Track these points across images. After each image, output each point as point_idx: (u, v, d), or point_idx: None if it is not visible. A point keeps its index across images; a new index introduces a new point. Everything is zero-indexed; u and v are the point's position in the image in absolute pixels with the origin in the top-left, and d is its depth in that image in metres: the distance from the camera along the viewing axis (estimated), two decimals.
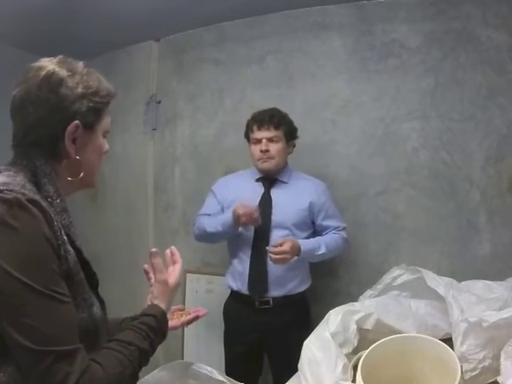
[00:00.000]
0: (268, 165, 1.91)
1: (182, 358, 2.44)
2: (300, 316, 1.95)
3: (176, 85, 2.63)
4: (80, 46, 2.39)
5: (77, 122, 0.81)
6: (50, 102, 0.79)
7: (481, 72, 1.98)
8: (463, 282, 1.36)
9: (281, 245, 1.78)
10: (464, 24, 2.00)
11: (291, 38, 2.32)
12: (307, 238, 1.94)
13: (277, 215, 1.90)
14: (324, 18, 2.26)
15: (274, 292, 1.88)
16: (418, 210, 2.09)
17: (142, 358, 0.80)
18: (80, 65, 0.85)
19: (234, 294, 1.99)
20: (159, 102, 2.68)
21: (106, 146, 0.90)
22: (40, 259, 0.69)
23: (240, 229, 1.92)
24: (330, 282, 2.23)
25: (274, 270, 1.86)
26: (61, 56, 0.85)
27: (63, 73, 0.81)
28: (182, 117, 2.62)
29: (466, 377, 1.04)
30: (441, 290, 1.26)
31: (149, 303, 0.94)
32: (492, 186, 1.97)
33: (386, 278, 1.49)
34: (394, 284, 1.47)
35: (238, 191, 1.97)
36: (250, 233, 1.90)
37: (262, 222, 1.87)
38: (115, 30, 2.46)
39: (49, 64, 0.82)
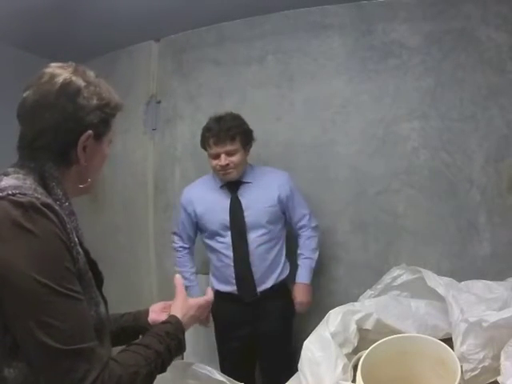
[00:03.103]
0: (230, 177, 1.92)
1: (182, 358, 2.44)
2: (285, 301, 2.01)
3: (176, 85, 2.63)
4: (80, 46, 2.40)
5: (90, 132, 0.83)
6: (66, 110, 0.80)
7: (481, 72, 1.98)
8: (463, 282, 1.36)
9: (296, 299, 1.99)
10: (464, 24, 2.00)
11: (291, 38, 2.32)
12: (281, 228, 1.99)
13: (249, 217, 1.92)
14: (324, 18, 2.26)
15: (262, 286, 1.95)
16: (418, 210, 2.09)
17: (159, 361, 0.83)
18: (92, 74, 0.87)
19: (222, 294, 1.99)
20: (159, 102, 2.68)
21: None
22: (57, 260, 0.71)
23: (218, 237, 1.97)
24: (330, 281, 2.23)
25: (257, 269, 1.93)
26: (72, 63, 0.86)
27: (80, 82, 0.82)
28: (182, 117, 2.62)
29: (466, 377, 1.04)
30: (441, 290, 1.26)
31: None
32: (492, 186, 1.97)
33: (386, 278, 1.49)
34: (394, 284, 1.46)
35: (207, 202, 1.99)
36: (227, 238, 1.93)
37: (237, 226, 1.92)
38: (115, 30, 2.46)
39: (63, 72, 0.82)
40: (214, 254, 2.00)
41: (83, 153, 0.84)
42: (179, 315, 0.95)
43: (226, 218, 1.92)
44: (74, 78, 0.82)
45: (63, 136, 0.81)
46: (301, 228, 2.04)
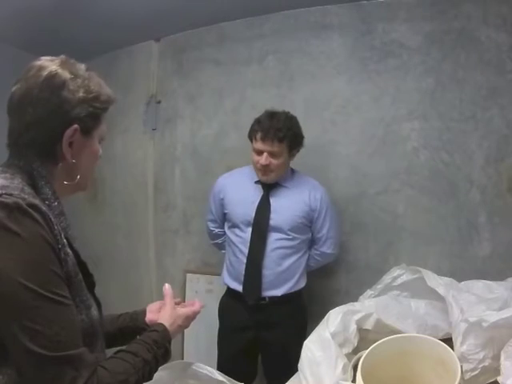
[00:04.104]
0: (267, 178, 1.89)
1: (182, 358, 2.45)
2: (296, 314, 1.96)
3: (176, 85, 2.63)
4: (80, 46, 2.40)
5: (76, 126, 0.80)
6: (50, 103, 0.78)
7: (481, 72, 1.98)
8: (463, 282, 1.36)
9: None
10: (464, 24, 2.00)
11: (291, 38, 2.32)
12: (305, 240, 1.94)
13: (274, 220, 1.89)
14: (324, 18, 2.26)
15: (271, 292, 1.89)
16: (418, 210, 2.09)
17: (146, 369, 0.82)
18: (82, 67, 0.84)
19: (231, 292, 2.00)
20: (159, 102, 2.68)
21: (100, 151, 0.90)
22: (42, 263, 0.69)
23: (238, 231, 1.94)
24: (330, 281, 2.23)
25: (268, 272, 1.88)
26: (63, 56, 0.84)
27: (66, 75, 0.80)
28: (182, 117, 2.62)
29: (466, 377, 1.04)
30: (441, 290, 1.26)
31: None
32: (492, 186, 1.97)
33: (386, 278, 1.49)
34: (394, 284, 1.47)
35: (238, 193, 1.98)
36: (247, 234, 1.91)
37: (259, 225, 1.89)
38: (115, 30, 2.46)
39: (51, 64, 0.80)
40: (230, 247, 1.99)
41: (69, 148, 0.81)
42: (167, 324, 0.94)
43: (251, 214, 1.90)
44: (59, 71, 0.79)
45: (48, 130, 0.79)
46: (314, 244, 1.99)
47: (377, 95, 2.16)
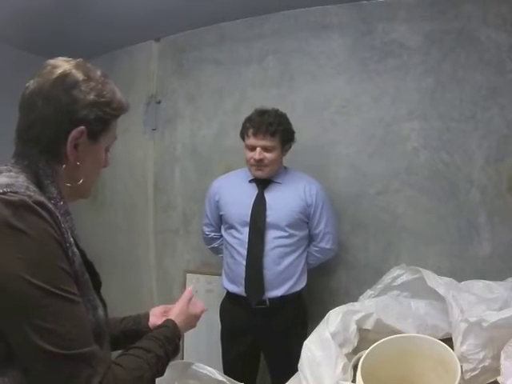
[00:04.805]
0: (261, 173, 1.90)
1: (182, 358, 2.45)
2: (296, 315, 1.96)
3: (176, 85, 2.63)
4: (80, 46, 2.40)
5: (83, 128, 0.79)
6: (60, 101, 0.78)
7: (481, 72, 1.98)
8: (463, 282, 1.36)
9: None
10: (464, 24, 2.00)
11: (291, 38, 2.32)
12: (303, 237, 1.94)
13: (271, 217, 1.89)
14: (324, 18, 2.26)
15: (271, 293, 1.89)
16: (418, 210, 2.09)
17: (159, 365, 0.82)
18: (98, 72, 0.84)
19: (231, 295, 1.99)
20: (159, 102, 2.68)
21: (107, 161, 0.90)
22: (50, 260, 0.68)
23: (235, 232, 1.94)
24: (330, 281, 2.23)
25: (269, 272, 1.88)
26: (80, 59, 0.84)
27: (79, 76, 0.80)
28: (182, 117, 2.62)
29: (466, 377, 1.04)
30: (441, 290, 1.26)
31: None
32: (492, 186, 1.97)
33: (386, 278, 1.49)
34: (394, 284, 1.46)
35: (232, 193, 1.99)
36: (244, 235, 1.91)
37: (256, 224, 1.89)
38: (115, 30, 2.46)
39: (65, 64, 0.81)
40: (228, 250, 1.98)
41: (74, 150, 0.80)
42: (177, 320, 0.95)
43: (247, 213, 1.90)
44: (73, 71, 0.80)
45: (54, 128, 0.78)
46: (312, 241, 1.99)
47: (377, 95, 2.16)
